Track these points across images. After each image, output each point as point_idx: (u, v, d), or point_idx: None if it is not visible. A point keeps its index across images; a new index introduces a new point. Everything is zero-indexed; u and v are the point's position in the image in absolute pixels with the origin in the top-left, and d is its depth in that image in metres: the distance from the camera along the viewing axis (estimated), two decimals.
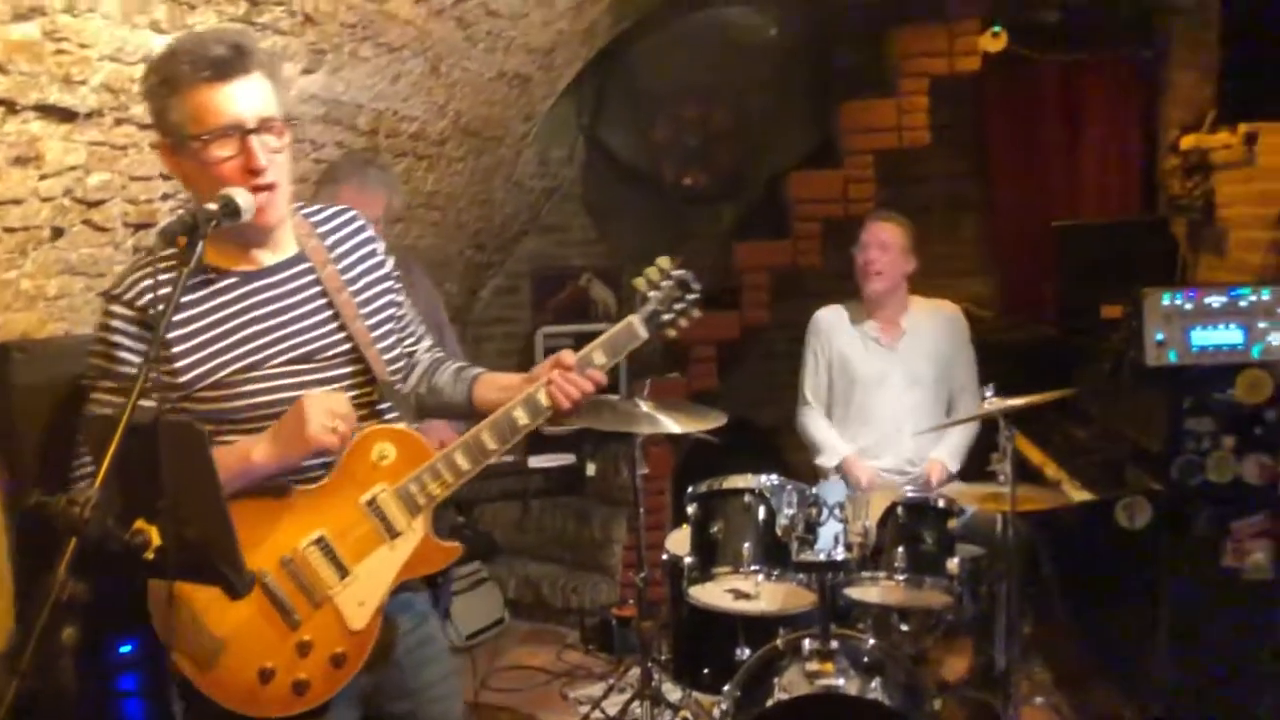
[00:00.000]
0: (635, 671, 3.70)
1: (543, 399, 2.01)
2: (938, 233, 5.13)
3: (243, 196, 1.73)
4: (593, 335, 5.01)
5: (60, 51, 2.09)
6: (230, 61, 1.79)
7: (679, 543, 3.26)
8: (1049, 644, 4.02)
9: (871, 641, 2.93)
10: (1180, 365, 3.45)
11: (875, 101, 4.78)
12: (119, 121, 2.34)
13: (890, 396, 3.76)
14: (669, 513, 4.72)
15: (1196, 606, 3.50)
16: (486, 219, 4.88)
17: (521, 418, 2.01)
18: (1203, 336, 3.45)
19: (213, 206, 1.69)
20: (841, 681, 2.77)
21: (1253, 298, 3.43)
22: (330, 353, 1.94)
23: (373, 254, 2.06)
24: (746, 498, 2.96)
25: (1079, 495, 3.63)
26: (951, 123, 4.95)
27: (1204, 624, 3.48)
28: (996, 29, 4.62)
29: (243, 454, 1.82)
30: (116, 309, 1.82)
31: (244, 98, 1.80)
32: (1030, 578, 3.87)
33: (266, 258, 1.92)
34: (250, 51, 1.83)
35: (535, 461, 3.37)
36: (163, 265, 1.74)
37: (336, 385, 1.93)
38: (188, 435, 1.52)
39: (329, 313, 1.95)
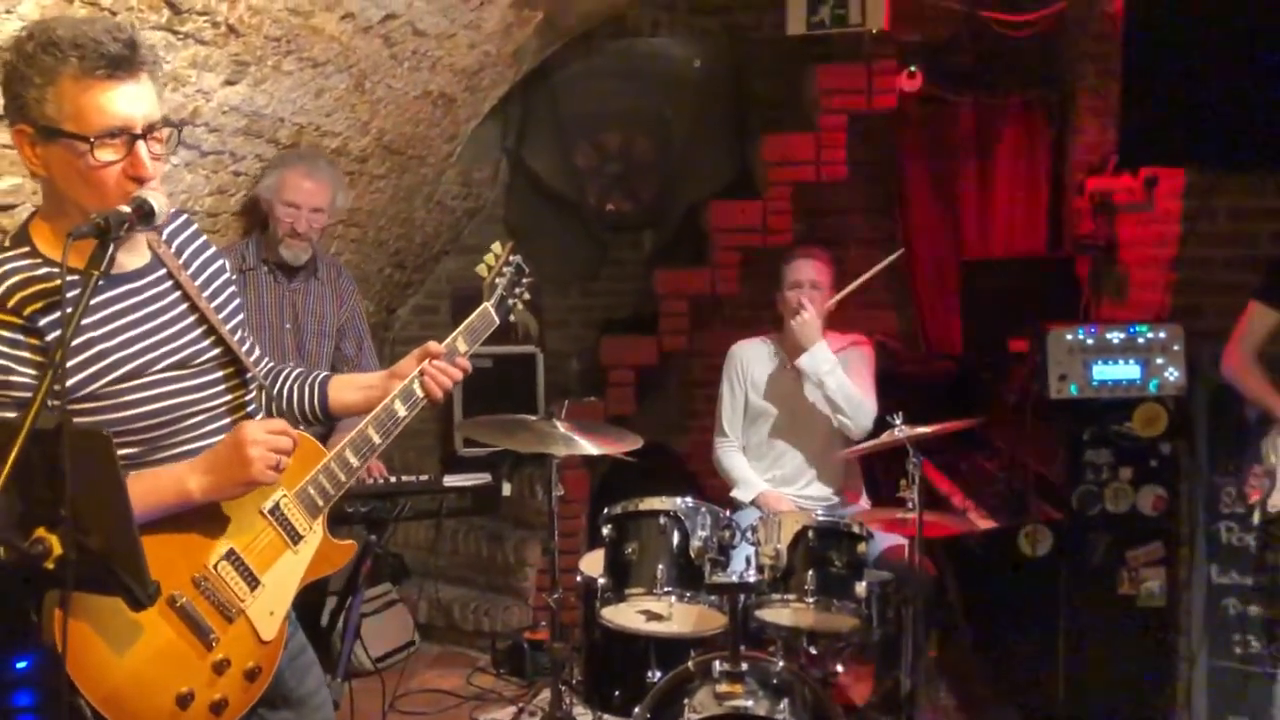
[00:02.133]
0: (546, 694, 3.69)
1: (418, 389, 2.11)
2: (853, 266, 5.23)
3: (156, 199, 1.70)
4: (512, 357, 5.02)
5: None
6: (124, 60, 1.68)
7: (593, 564, 3.26)
8: (953, 668, 4.10)
9: (781, 664, 2.96)
10: (1081, 398, 3.58)
11: (795, 135, 4.88)
12: None
13: (806, 428, 3.79)
14: (584, 536, 4.72)
15: (1093, 632, 3.62)
16: (407, 238, 4.86)
17: (400, 409, 2.08)
18: (1103, 371, 3.58)
19: (126, 209, 1.66)
20: (750, 703, 2.80)
21: (1150, 335, 3.58)
22: (204, 357, 1.91)
23: (216, 258, 2.04)
24: (661, 519, 2.98)
25: (984, 523, 3.73)
26: (868, 159, 5.07)
27: (1101, 649, 3.61)
28: (913, 69, 4.75)
29: (177, 484, 1.78)
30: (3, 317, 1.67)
31: (135, 99, 1.70)
32: (937, 603, 3.95)
33: (127, 262, 1.84)
34: (141, 49, 1.71)
35: (450, 480, 3.34)
36: (13, 256, 1.70)
37: (213, 389, 1.91)
38: (94, 442, 1.49)
39: (194, 317, 1.91)
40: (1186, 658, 3.59)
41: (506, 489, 3.44)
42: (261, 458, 1.80)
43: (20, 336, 1.68)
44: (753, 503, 3.69)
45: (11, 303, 1.68)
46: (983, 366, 4.49)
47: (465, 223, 5.40)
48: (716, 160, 5.30)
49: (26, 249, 1.73)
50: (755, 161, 5.05)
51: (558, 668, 3.30)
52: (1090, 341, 3.59)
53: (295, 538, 1.96)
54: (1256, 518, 3.19)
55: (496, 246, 2.36)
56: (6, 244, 1.76)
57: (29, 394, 1.64)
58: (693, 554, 2.92)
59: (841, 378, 3.61)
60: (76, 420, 1.67)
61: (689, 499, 3.02)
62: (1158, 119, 3.60)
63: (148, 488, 1.75)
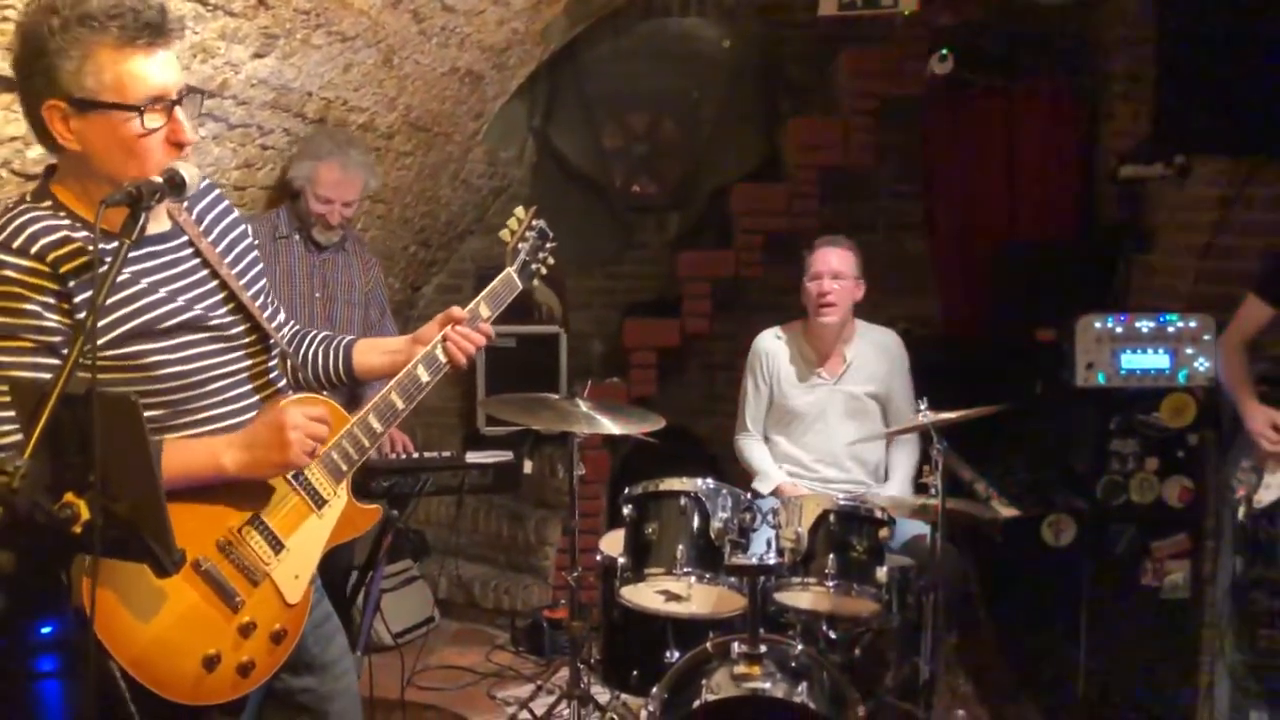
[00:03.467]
0: (564, 673, 3.70)
1: (440, 355, 2.11)
2: (880, 252, 5.21)
3: (188, 170, 1.71)
4: (535, 337, 5.03)
5: (2, 19, 2.05)
6: (160, 27, 1.69)
7: (613, 544, 3.26)
8: (974, 657, 4.09)
9: (800, 647, 2.95)
10: (1108, 387, 3.55)
11: (823, 119, 4.84)
12: None
13: (828, 428, 3.74)
14: (605, 516, 4.72)
15: (1116, 624, 3.59)
16: (432, 215, 4.86)
17: (423, 375, 2.09)
18: (1131, 360, 3.55)
19: (158, 179, 1.67)
20: (768, 685, 2.79)
21: (1180, 324, 3.54)
22: (226, 322, 1.91)
23: (238, 224, 2.04)
24: (682, 500, 2.97)
25: (1007, 512, 3.69)
26: (896, 143, 5.02)
27: (1123, 641, 3.59)
28: (944, 53, 4.70)
29: (212, 458, 1.80)
30: (10, 259, 1.66)
31: (170, 66, 1.73)
32: (958, 591, 3.93)
33: (150, 227, 1.82)
34: (170, 15, 1.73)
35: (473, 457, 3.35)
36: (45, 213, 1.70)
37: (235, 354, 1.93)
38: (123, 407, 1.49)
39: (215, 283, 1.91)
40: (1210, 651, 3.56)
41: (528, 467, 3.45)
42: (299, 442, 1.83)
43: (53, 287, 1.68)
44: (772, 494, 3.67)
45: (49, 257, 1.68)
46: (1010, 353, 4.44)
47: (491, 202, 5.39)
48: (744, 143, 5.27)
49: (55, 205, 1.73)
50: (783, 145, 5.02)
51: (576, 646, 3.31)
52: (1119, 330, 3.56)
53: (319, 502, 1.97)
54: (1242, 513, 3.16)
55: (519, 211, 2.35)
56: (31, 199, 1.74)
57: (59, 339, 1.67)
58: (713, 535, 2.91)
59: (905, 482, 3.64)
60: (105, 374, 1.70)
61: (710, 480, 3.01)
62: (1193, 104, 3.56)
63: (182, 459, 1.77)
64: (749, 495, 3.07)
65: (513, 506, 4.96)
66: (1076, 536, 3.58)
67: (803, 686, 2.80)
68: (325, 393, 2.06)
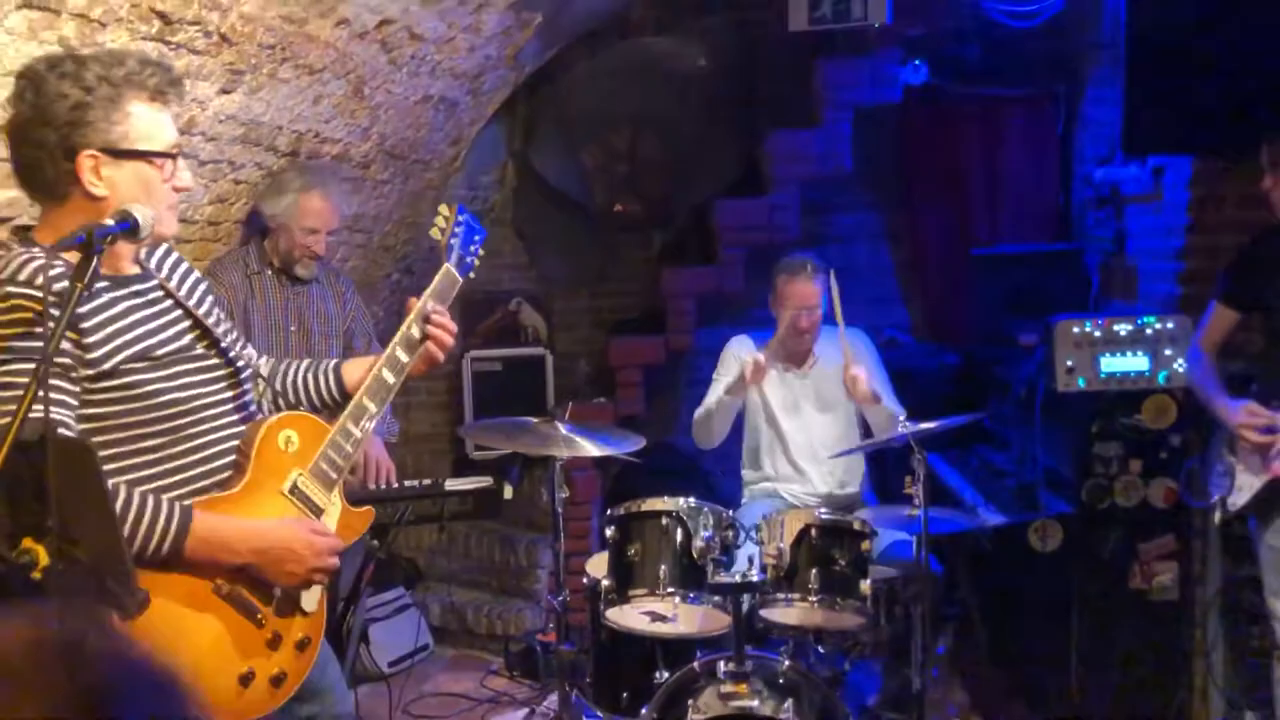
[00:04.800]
0: (554, 696, 3.69)
1: (415, 332, 2.16)
2: (861, 261, 5.23)
3: (141, 213, 1.73)
4: (521, 359, 5.03)
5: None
6: (179, 83, 1.91)
7: (600, 566, 3.26)
8: (968, 665, 4.07)
9: (787, 663, 2.95)
10: (1089, 391, 3.55)
11: (800, 131, 4.86)
12: None
13: (803, 423, 3.79)
14: (596, 538, 4.72)
15: (1106, 627, 3.58)
16: (415, 243, 4.87)
17: (402, 356, 2.16)
18: (1111, 363, 3.55)
19: (110, 222, 1.68)
20: (755, 703, 2.79)
21: (1159, 326, 3.54)
22: (203, 353, 2.01)
23: (194, 273, 2.13)
24: (664, 520, 2.97)
25: (994, 518, 3.70)
26: (874, 153, 5.04)
27: (1113, 644, 3.57)
28: (918, 62, 4.73)
29: (224, 544, 1.85)
30: (21, 290, 1.73)
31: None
32: (950, 599, 3.93)
33: (127, 269, 1.95)
34: None
35: (451, 484, 3.35)
36: (40, 254, 1.77)
37: (217, 385, 2.01)
38: (78, 452, 1.50)
39: (189, 321, 2.01)
40: (1201, 651, 3.55)
41: (508, 492, 3.44)
42: (311, 575, 1.95)
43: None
44: (738, 381, 3.65)
45: (54, 288, 1.74)
46: (992, 360, 4.45)
47: None
48: (724, 158, 5.28)
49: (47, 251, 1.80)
50: (762, 158, 5.03)
51: (564, 670, 3.30)
52: (1098, 333, 3.55)
53: (317, 512, 2.03)
54: (1218, 517, 3.16)
55: (443, 208, 2.39)
56: (20, 245, 1.84)
57: (70, 362, 1.76)
58: (695, 554, 2.91)
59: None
60: (107, 407, 1.82)
61: (691, 499, 3.01)
62: (1163, 107, 3.58)
63: (208, 542, 1.83)
64: (730, 513, 3.06)
65: (503, 530, 4.95)
66: (1063, 541, 3.57)
67: (789, 703, 2.80)
68: (322, 415, 2.13)
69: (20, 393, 1.61)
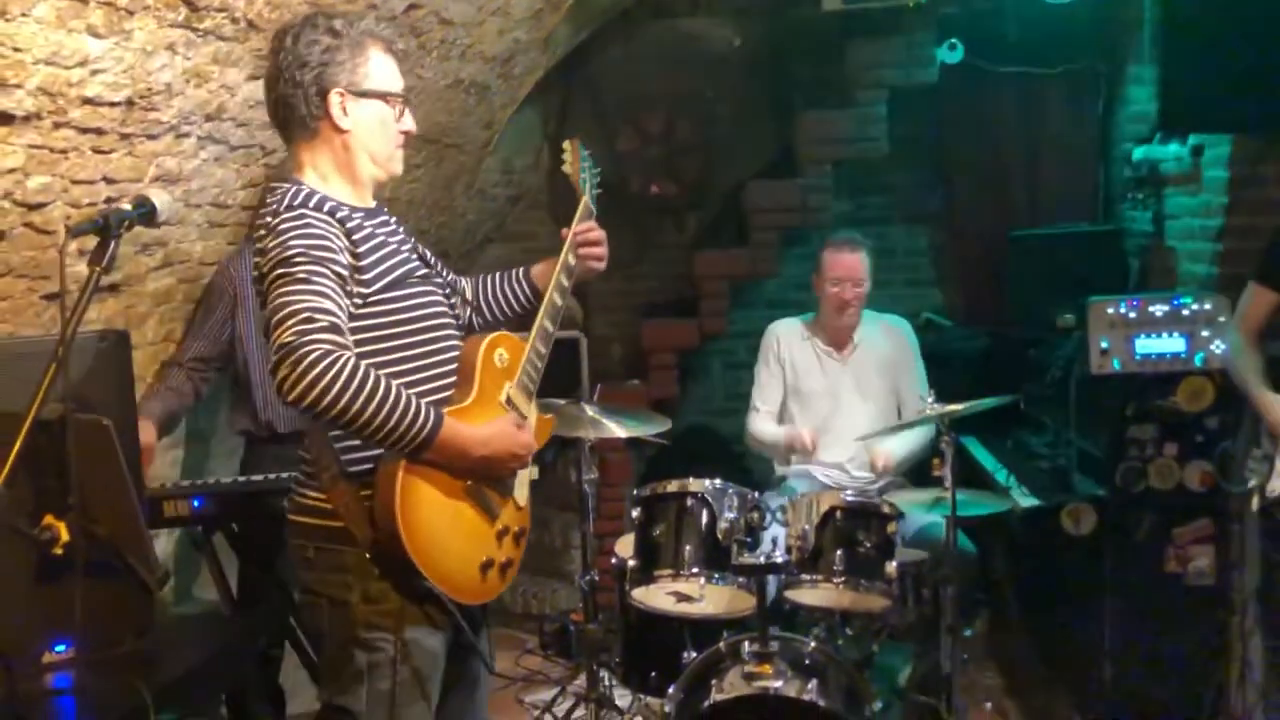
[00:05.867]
0: (584, 676, 3.72)
1: (571, 259, 2.39)
2: (898, 243, 5.19)
3: (159, 197, 1.77)
4: (558, 342, 5.10)
5: None
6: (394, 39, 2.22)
7: (627, 547, 3.28)
8: (1002, 648, 4.06)
9: (813, 644, 2.95)
10: (1124, 373, 3.50)
11: (834, 112, 4.83)
12: (57, 125, 2.35)
13: (841, 408, 3.79)
14: (627, 519, 4.73)
15: (1140, 612, 3.54)
16: (449, 226, 4.91)
17: (564, 280, 2.37)
18: (1146, 345, 3.50)
19: (127, 207, 1.72)
20: (779, 683, 2.79)
21: (1195, 306, 3.48)
22: (431, 274, 2.23)
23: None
24: (689, 501, 2.98)
25: (1027, 501, 3.67)
26: (910, 134, 4.99)
27: (1148, 629, 3.53)
28: (954, 41, 4.67)
29: (463, 448, 2.04)
30: (312, 213, 1.99)
31: None
32: (982, 583, 3.91)
33: (368, 199, 2.20)
34: None
35: None
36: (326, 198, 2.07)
37: (446, 300, 2.23)
38: (96, 431, 1.53)
39: (410, 243, 2.24)
40: (1239, 637, 3.50)
41: (534, 473, 3.47)
42: (520, 459, 2.17)
43: (343, 240, 2.02)
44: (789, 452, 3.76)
45: (337, 215, 2.03)
46: (1031, 341, 4.41)
47: (508, 210, 5.43)
48: (758, 140, 5.27)
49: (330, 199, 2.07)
50: (796, 140, 5.01)
51: (592, 649, 3.33)
52: (1133, 315, 3.50)
53: (523, 418, 2.23)
54: (1255, 503, 3.09)
55: (567, 144, 2.54)
56: (312, 204, 2.05)
57: (347, 272, 2.00)
58: (720, 535, 2.92)
59: (905, 448, 3.69)
60: (375, 319, 2.06)
61: (717, 480, 3.01)
62: (1201, 85, 3.50)
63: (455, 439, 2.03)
64: (756, 494, 3.07)
65: (538, 511, 4.97)
66: (1097, 524, 3.53)
67: (814, 684, 2.80)
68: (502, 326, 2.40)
69: (318, 286, 1.91)
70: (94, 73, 2.35)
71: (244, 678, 2.77)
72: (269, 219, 2.02)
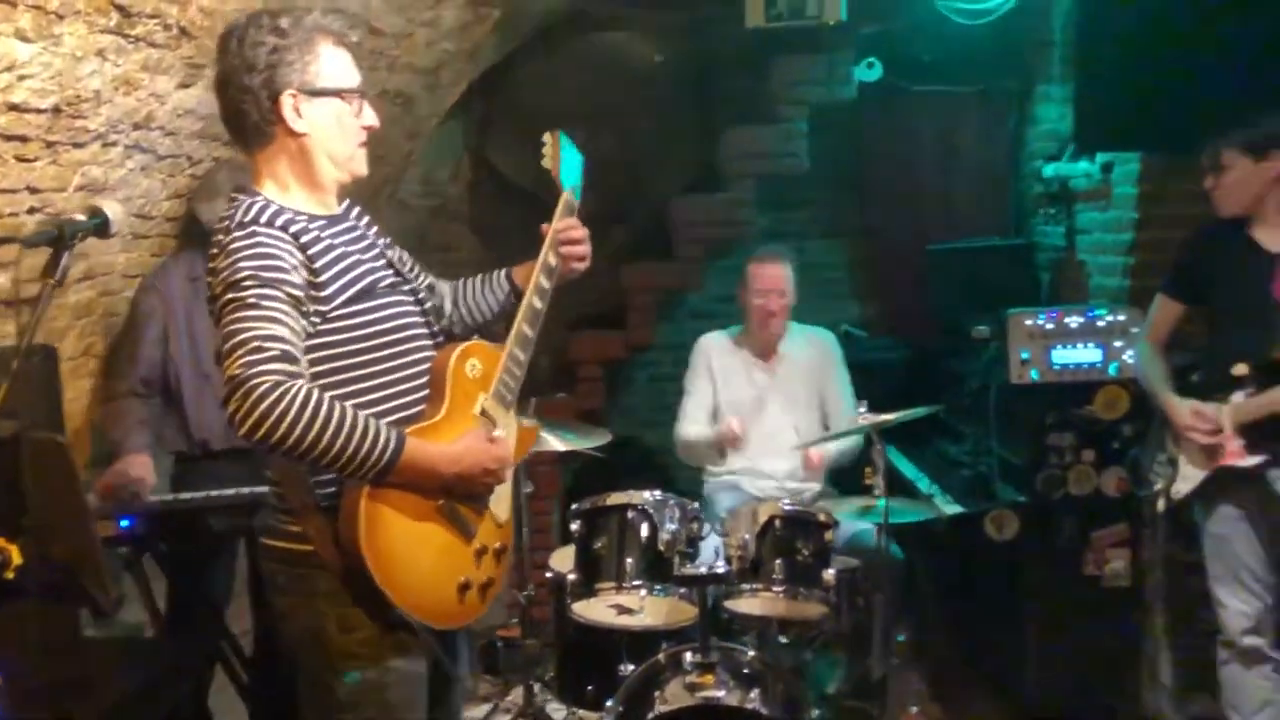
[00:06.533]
0: (520, 691, 3.70)
1: (552, 259, 2.30)
2: (818, 257, 5.28)
3: (111, 208, 1.72)
4: None
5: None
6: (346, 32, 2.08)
7: (563, 560, 3.27)
8: (927, 653, 4.14)
9: (751, 653, 2.98)
10: (1043, 383, 3.62)
11: (757, 128, 4.90)
12: None
13: (769, 417, 3.84)
14: (557, 533, 4.72)
15: (1062, 614, 3.65)
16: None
17: (544, 282, 2.29)
18: (1063, 355, 3.62)
19: (82, 218, 1.67)
20: (722, 693, 2.80)
21: (1109, 318, 3.62)
22: (401, 283, 2.13)
23: (364, 211, 2.23)
24: (629, 514, 2.98)
25: (950, 508, 3.76)
26: (830, 150, 5.09)
27: (1068, 631, 3.64)
28: (872, 60, 4.78)
29: (430, 468, 1.97)
30: (263, 230, 1.90)
31: None
32: (906, 589, 3.98)
33: (332, 205, 2.10)
34: None
35: None
36: (266, 201, 1.96)
37: (416, 309, 2.13)
38: (51, 451, 1.48)
39: (376, 250, 2.13)
40: (1153, 636, 3.63)
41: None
42: (495, 474, 2.08)
43: (298, 256, 1.92)
44: (719, 448, 3.79)
45: (291, 230, 1.93)
46: (947, 352, 4.52)
47: (430, 222, 5.38)
48: (682, 155, 5.31)
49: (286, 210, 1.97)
50: (720, 155, 5.06)
51: (529, 664, 3.31)
52: (1050, 326, 3.62)
53: (498, 431, 2.15)
54: (1161, 506, 3.23)
55: (547, 137, 2.44)
56: (244, 196, 1.99)
57: (304, 295, 1.91)
58: (661, 547, 2.92)
59: (834, 453, 3.76)
60: (336, 335, 1.97)
61: (657, 492, 3.02)
62: (1112, 105, 3.65)
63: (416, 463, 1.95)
64: (696, 505, 3.09)
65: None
66: (1019, 530, 3.63)
67: (755, 693, 2.82)
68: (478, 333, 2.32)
69: (268, 312, 1.82)
70: (21, 78, 2.28)
71: (178, 703, 2.69)
72: (221, 236, 1.93)
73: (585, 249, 2.38)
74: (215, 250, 1.92)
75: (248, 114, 1.98)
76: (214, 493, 2.91)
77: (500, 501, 2.18)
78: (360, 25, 3.29)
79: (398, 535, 1.94)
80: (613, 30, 5.25)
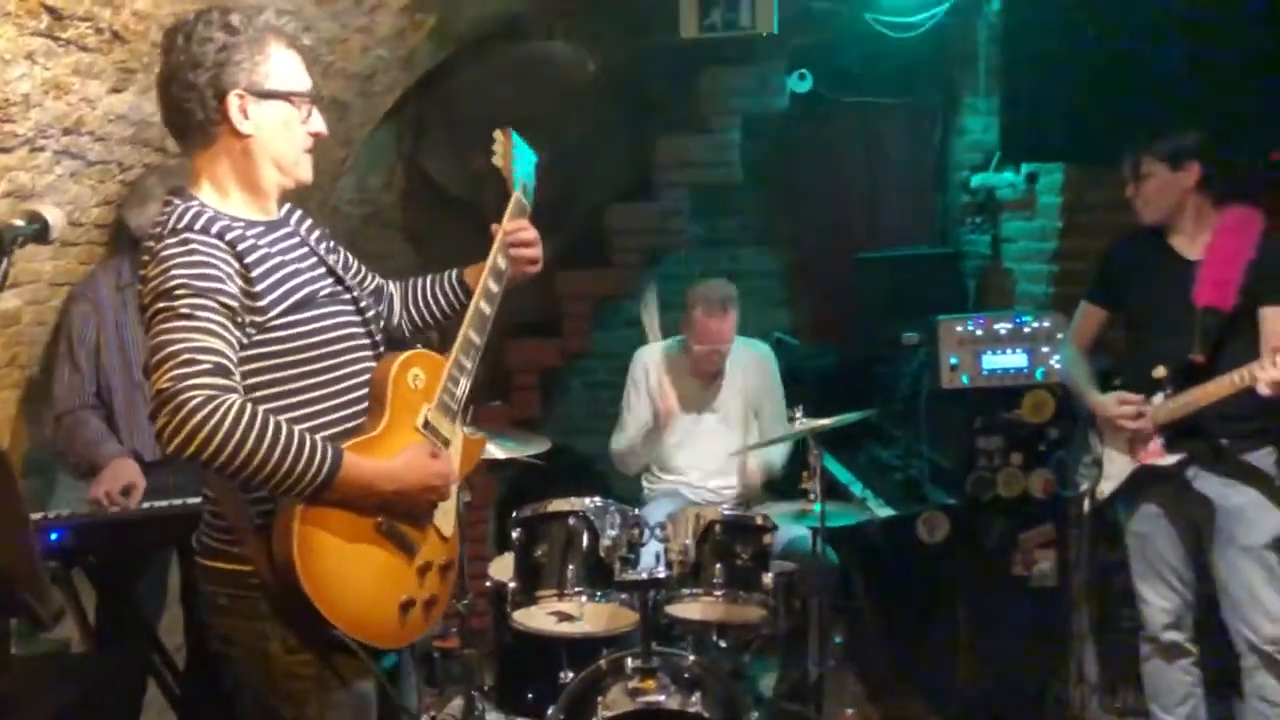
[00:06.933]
0: (458, 702, 3.67)
1: (501, 262, 2.25)
2: (749, 265, 5.34)
3: (51, 213, 1.69)
4: None
5: None
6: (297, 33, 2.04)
7: (502, 569, 3.27)
8: (861, 655, 4.20)
9: (692, 658, 3.01)
10: (972, 388, 3.70)
11: (689, 137, 4.94)
12: None
13: (707, 432, 3.86)
14: (492, 541, 4.71)
15: (991, 614, 3.74)
16: None
17: (493, 286, 2.24)
18: (992, 361, 3.71)
19: (20, 223, 1.63)
20: (663, 698, 2.83)
21: (1036, 324, 3.72)
22: (342, 293, 2.07)
23: (307, 217, 2.18)
24: (571, 520, 3.00)
25: (883, 512, 3.83)
26: (761, 160, 5.15)
27: (998, 630, 3.73)
28: (803, 72, 4.86)
29: (368, 485, 1.91)
30: (198, 238, 1.84)
31: None
32: (842, 592, 4.05)
33: (272, 210, 2.04)
34: None
35: None
36: (204, 207, 1.90)
37: (357, 319, 2.07)
38: None
39: (324, 265, 2.08)
40: (1079, 634, 3.73)
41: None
42: (437, 490, 2.02)
43: (234, 265, 1.86)
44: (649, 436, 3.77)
45: (226, 237, 1.87)
46: (876, 359, 4.60)
47: (362, 229, 5.33)
48: (615, 162, 5.33)
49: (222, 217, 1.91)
50: (653, 164, 5.10)
51: (468, 674, 3.29)
52: (979, 332, 3.71)
53: (445, 443, 2.10)
54: (1087, 506, 3.33)
55: (498, 134, 2.38)
56: (181, 200, 1.92)
57: (239, 305, 1.85)
58: (602, 553, 2.94)
59: (768, 462, 3.78)
60: (272, 346, 1.91)
61: (597, 499, 3.04)
62: (1036, 117, 3.76)
63: (356, 481, 1.89)
64: (636, 511, 3.11)
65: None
66: (950, 532, 3.71)
67: (696, 696, 2.85)
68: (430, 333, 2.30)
69: (200, 323, 1.77)
70: None
71: (111, 718, 2.63)
72: (152, 243, 1.86)
73: (536, 251, 2.32)
74: (147, 258, 1.86)
75: (192, 112, 1.91)
76: (145, 504, 2.85)
77: (445, 516, 2.11)
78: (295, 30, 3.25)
79: (334, 555, 1.88)
80: (547, 39, 5.26)
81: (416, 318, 2.37)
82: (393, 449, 1.98)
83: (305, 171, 2.04)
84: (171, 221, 1.87)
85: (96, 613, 3.00)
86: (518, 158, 2.38)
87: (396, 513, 1.97)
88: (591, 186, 5.29)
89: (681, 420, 3.85)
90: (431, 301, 2.37)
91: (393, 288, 2.37)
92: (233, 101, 1.91)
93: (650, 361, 3.92)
